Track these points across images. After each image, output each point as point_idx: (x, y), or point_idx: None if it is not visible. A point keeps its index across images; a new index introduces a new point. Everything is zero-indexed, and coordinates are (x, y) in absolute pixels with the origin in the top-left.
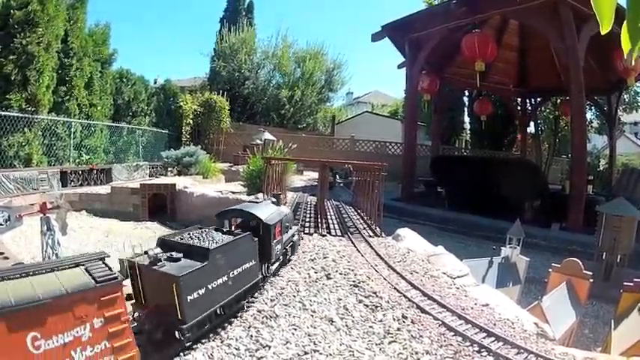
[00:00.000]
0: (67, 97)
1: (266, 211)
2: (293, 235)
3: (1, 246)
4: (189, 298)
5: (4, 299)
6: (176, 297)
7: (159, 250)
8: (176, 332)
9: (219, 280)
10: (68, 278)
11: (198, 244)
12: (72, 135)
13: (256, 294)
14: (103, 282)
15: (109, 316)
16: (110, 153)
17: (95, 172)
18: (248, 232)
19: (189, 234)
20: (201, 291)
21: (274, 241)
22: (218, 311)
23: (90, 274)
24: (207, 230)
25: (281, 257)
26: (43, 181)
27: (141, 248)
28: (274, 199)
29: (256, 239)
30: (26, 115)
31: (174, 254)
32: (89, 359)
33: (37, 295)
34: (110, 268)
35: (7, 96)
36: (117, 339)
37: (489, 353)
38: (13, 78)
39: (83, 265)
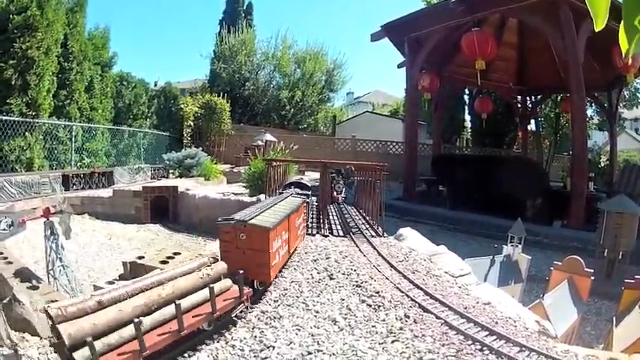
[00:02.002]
0: (68, 101)
1: (309, 182)
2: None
3: (5, 250)
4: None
5: (291, 208)
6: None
7: (291, 190)
8: None
9: None
10: (296, 200)
11: (303, 191)
12: (73, 139)
13: (259, 295)
14: (304, 201)
15: (304, 213)
16: (112, 156)
17: (97, 175)
18: (310, 189)
19: (290, 188)
20: None
21: (310, 194)
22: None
23: (297, 199)
24: (294, 188)
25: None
26: (45, 185)
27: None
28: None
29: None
30: (27, 120)
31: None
32: (302, 230)
33: (296, 205)
34: (301, 196)
35: (8, 100)
36: (303, 222)
37: (491, 351)
38: (13, 83)
39: (290, 197)
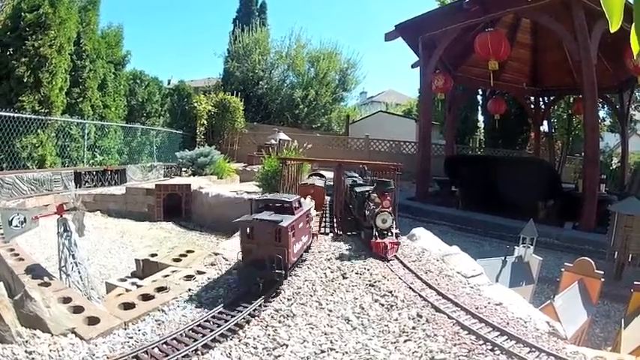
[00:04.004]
0: (81, 99)
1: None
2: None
3: (16, 247)
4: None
5: (324, 183)
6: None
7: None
8: None
9: None
10: (322, 182)
11: (321, 179)
12: (86, 136)
13: (273, 293)
14: (325, 183)
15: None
16: (124, 154)
17: (109, 172)
18: (325, 177)
19: (312, 177)
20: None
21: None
22: None
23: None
24: (315, 176)
25: None
26: (57, 182)
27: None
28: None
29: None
30: (39, 117)
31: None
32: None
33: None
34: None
35: (20, 98)
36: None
37: (502, 352)
38: (25, 80)
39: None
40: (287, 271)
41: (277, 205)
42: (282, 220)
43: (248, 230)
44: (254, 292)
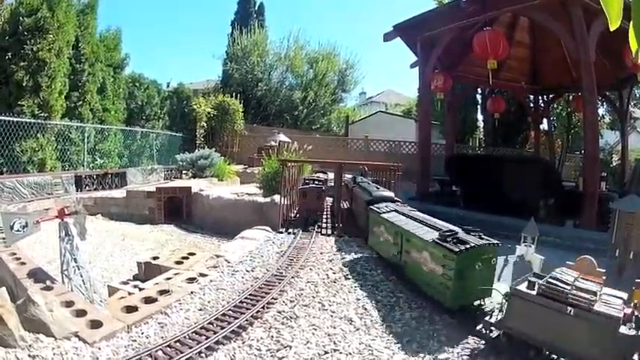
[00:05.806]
0: (80, 103)
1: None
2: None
3: (18, 251)
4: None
5: (325, 178)
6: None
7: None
8: None
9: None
10: (323, 176)
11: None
12: (85, 140)
13: (276, 295)
14: (326, 178)
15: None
16: (124, 157)
17: (110, 176)
18: (327, 174)
19: (317, 173)
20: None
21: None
22: None
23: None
24: (319, 173)
25: None
26: (58, 185)
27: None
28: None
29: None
30: (39, 121)
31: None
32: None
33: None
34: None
35: (19, 102)
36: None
37: None
38: (24, 84)
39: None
40: (323, 214)
41: (316, 180)
42: (322, 188)
43: (304, 193)
44: (310, 223)
